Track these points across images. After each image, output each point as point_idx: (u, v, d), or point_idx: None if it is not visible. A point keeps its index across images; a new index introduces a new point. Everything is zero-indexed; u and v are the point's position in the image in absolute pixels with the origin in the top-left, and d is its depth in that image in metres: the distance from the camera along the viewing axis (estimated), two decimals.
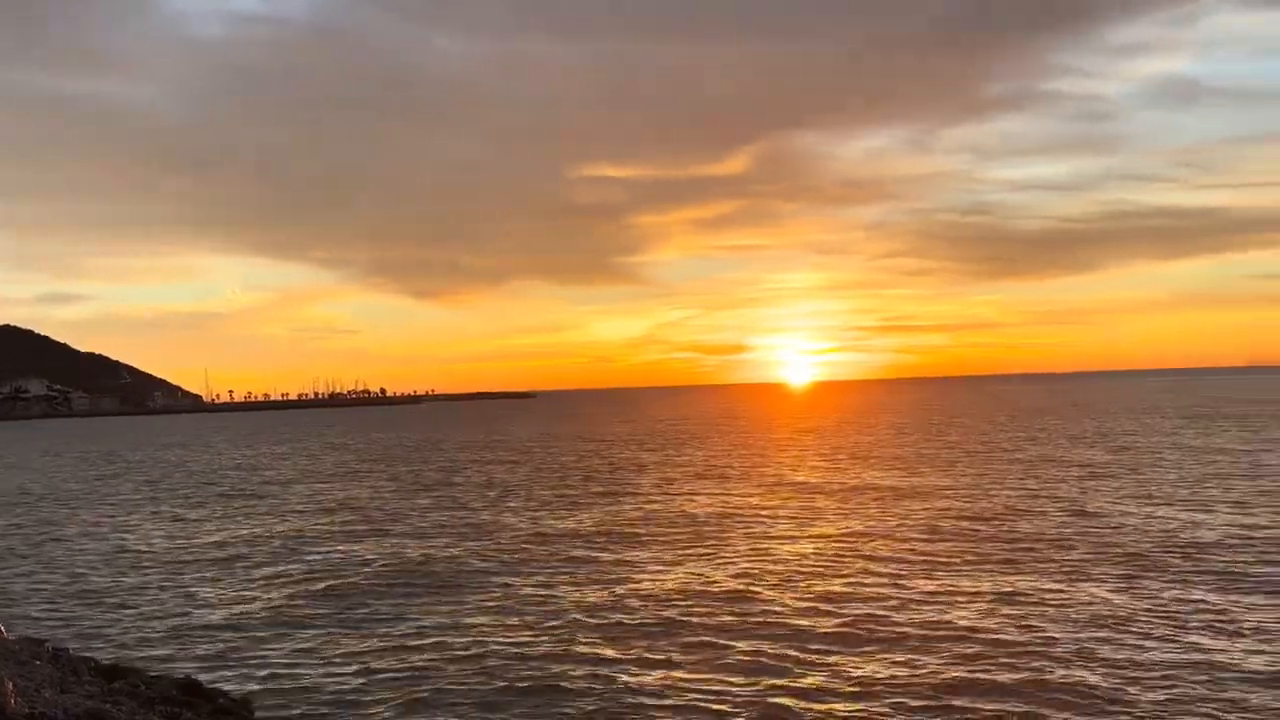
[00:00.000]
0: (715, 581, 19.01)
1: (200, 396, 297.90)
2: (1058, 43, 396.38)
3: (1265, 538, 21.67)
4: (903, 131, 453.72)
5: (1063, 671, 12.82)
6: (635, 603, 17.45)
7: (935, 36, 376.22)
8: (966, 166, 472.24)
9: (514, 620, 16.50)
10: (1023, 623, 15.19)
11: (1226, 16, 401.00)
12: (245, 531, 28.77)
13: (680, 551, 22.60)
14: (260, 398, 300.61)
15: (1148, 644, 13.80)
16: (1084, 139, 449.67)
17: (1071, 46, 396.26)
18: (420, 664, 14.17)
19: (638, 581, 19.26)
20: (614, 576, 19.83)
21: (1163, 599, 16.33)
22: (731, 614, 16.36)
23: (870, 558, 20.97)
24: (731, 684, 12.82)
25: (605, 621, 16.19)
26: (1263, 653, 13.37)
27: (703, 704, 12.11)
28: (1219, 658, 13.17)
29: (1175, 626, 14.64)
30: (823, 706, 11.88)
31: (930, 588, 17.81)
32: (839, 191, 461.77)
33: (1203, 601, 16.20)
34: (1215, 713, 11.31)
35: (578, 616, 16.56)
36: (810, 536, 24.05)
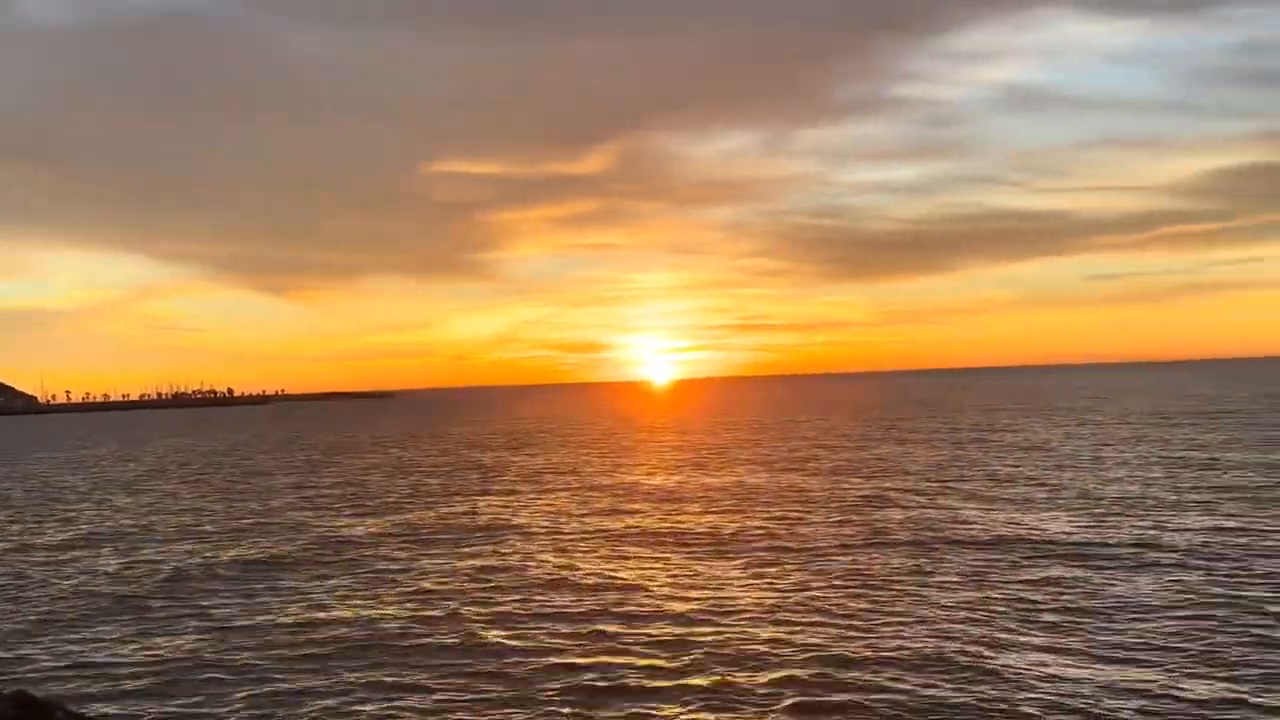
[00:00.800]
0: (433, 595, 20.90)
1: (35, 398, 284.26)
2: (905, 49, 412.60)
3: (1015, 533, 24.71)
4: (756, 134, 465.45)
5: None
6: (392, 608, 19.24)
7: (786, 40, 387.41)
8: (818, 169, 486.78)
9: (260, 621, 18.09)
10: (721, 606, 17.58)
11: (1067, 25, 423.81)
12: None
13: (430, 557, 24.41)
14: (100, 398, 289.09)
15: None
16: (931, 143, 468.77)
17: (918, 53, 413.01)
18: (242, 660, 15.39)
19: (402, 583, 21.03)
20: (382, 579, 21.59)
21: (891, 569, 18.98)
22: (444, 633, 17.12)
23: (606, 557, 23.23)
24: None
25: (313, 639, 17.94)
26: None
27: None
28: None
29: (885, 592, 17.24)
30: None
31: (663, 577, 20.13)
32: (695, 192, 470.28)
33: (953, 582, 18.88)
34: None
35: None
36: (594, 538, 26.18)
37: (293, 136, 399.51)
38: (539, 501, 33.55)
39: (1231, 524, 23.53)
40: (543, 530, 27.03)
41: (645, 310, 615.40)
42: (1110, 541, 21.93)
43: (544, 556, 22.91)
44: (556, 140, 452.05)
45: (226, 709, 13.14)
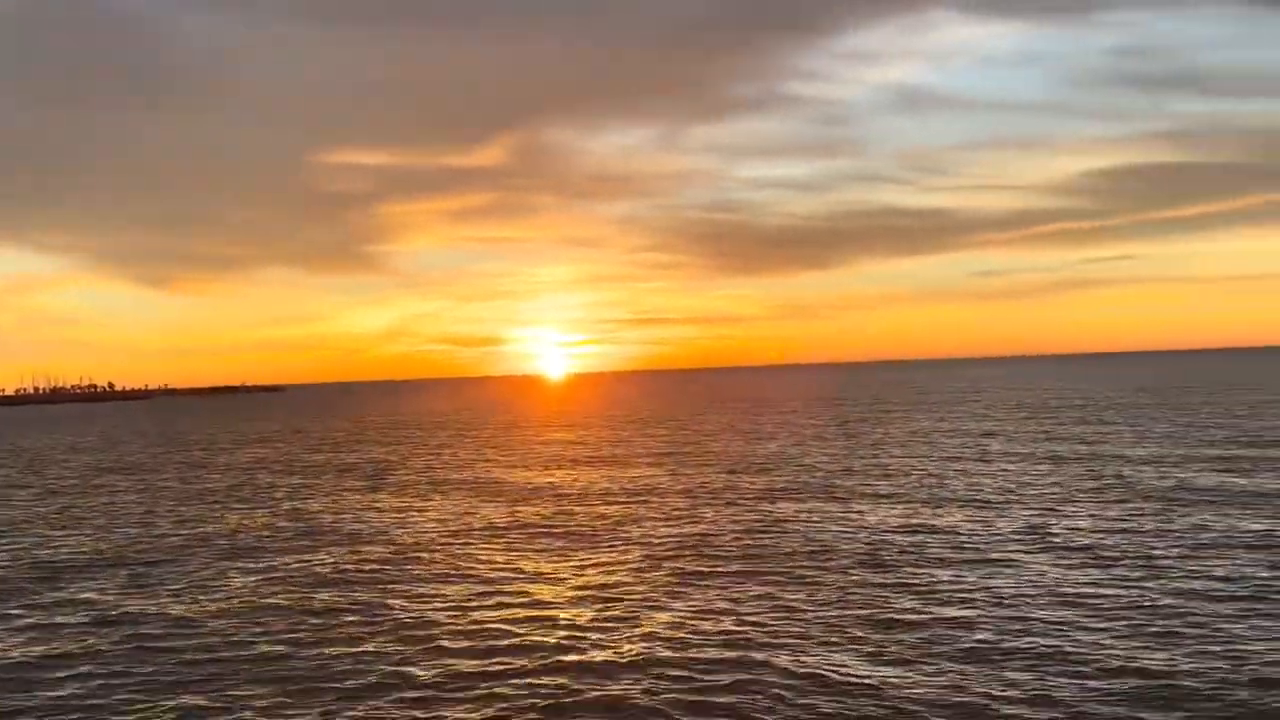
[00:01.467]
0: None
1: None
2: (798, 48, 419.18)
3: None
4: (652, 129, 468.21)
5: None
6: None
7: (682, 37, 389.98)
8: (714, 165, 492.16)
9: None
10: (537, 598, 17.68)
11: (952, 28, 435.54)
12: None
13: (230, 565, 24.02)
14: None
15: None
16: (824, 141, 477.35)
17: (811, 52, 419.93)
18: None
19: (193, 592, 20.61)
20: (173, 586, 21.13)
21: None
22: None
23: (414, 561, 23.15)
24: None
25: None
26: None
27: None
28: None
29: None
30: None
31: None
32: (591, 186, 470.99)
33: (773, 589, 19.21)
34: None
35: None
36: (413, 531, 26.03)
37: (179, 126, 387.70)
38: (420, 501, 33.15)
39: (1113, 515, 24.34)
40: (423, 527, 26.73)
41: (540, 304, 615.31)
42: (983, 534, 22.56)
43: (425, 553, 22.67)
44: (451, 132, 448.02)
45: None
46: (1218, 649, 13.12)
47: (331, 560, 21.69)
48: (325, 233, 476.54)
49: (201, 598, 18.38)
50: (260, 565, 21.42)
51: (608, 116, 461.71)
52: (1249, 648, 13.09)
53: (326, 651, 14.51)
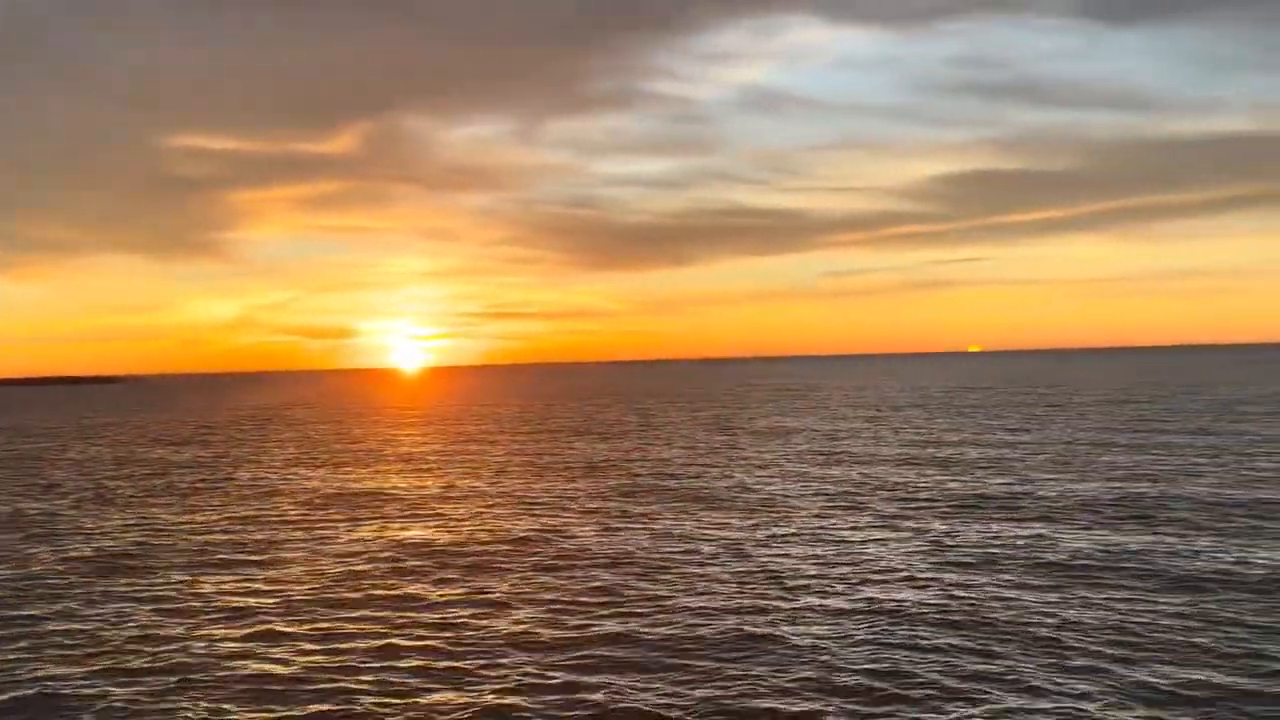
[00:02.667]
0: None
1: None
2: (656, 47, 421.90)
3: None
4: (510, 122, 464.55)
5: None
6: None
7: (541, 31, 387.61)
8: (571, 160, 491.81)
9: None
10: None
11: (806, 31, 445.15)
12: None
13: None
14: None
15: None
16: (681, 139, 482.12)
17: (669, 51, 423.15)
18: None
19: None
20: None
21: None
22: None
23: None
24: None
25: None
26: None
27: None
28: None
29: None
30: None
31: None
32: (447, 177, 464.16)
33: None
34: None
35: None
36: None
37: (13, 105, 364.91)
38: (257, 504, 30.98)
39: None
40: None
41: (394, 296, 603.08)
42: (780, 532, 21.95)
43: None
44: (303, 119, 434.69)
45: None
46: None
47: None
48: (169, 219, 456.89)
49: None
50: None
51: (465, 108, 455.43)
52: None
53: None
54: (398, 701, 12.50)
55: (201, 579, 19.84)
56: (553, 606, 16.86)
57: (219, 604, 17.70)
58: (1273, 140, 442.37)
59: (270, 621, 16.36)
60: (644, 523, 25.06)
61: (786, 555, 20.48)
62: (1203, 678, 12.40)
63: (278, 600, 17.86)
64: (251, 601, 17.79)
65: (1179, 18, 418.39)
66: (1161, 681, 12.34)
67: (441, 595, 17.95)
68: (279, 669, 13.86)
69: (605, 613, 16.33)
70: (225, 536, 24.85)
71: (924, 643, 14.20)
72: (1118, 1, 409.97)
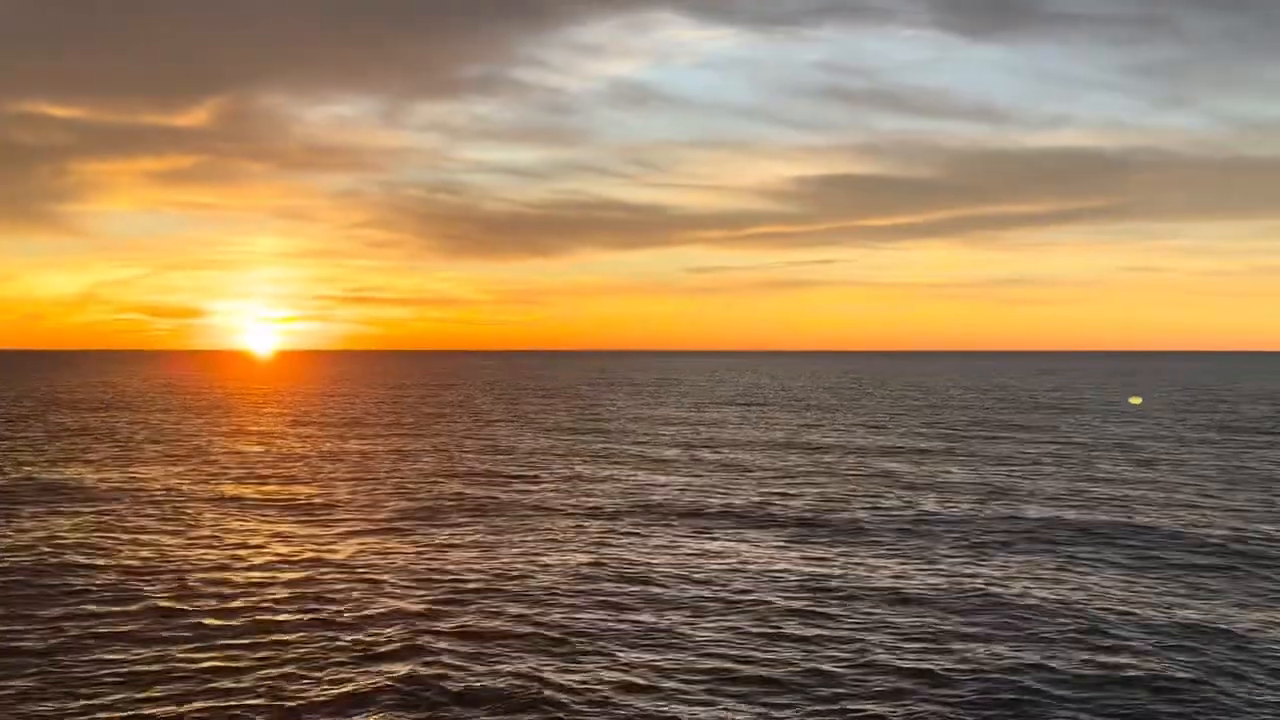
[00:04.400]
0: None
1: None
2: (526, 35, 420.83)
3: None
4: (373, 102, 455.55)
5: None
6: None
7: (409, 11, 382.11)
8: (436, 144, 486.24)
9: None
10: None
11: (674, 29, 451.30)
12: None
13: None
14: None
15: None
16: (548, 130, 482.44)
17: (539, 40, 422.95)
18: None
19: None
20: None
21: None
22: None
23: None
24: None
25: None
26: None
27: None
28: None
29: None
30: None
31: None
32: (306, 157, 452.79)
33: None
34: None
35: None
36: None
37: None
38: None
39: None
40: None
41: (247, 276, 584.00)
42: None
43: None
44: (154, 90, 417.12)
45: None
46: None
47: None
48: (10, 189, 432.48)
49: None
50: None
51: (327, 87, 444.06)
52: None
53: None
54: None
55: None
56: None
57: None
58: (1113, 155, 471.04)
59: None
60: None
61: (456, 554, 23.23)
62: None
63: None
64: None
65: (1033, 34, 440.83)
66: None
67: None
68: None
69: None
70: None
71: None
72: (976, 16, 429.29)
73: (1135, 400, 75.49)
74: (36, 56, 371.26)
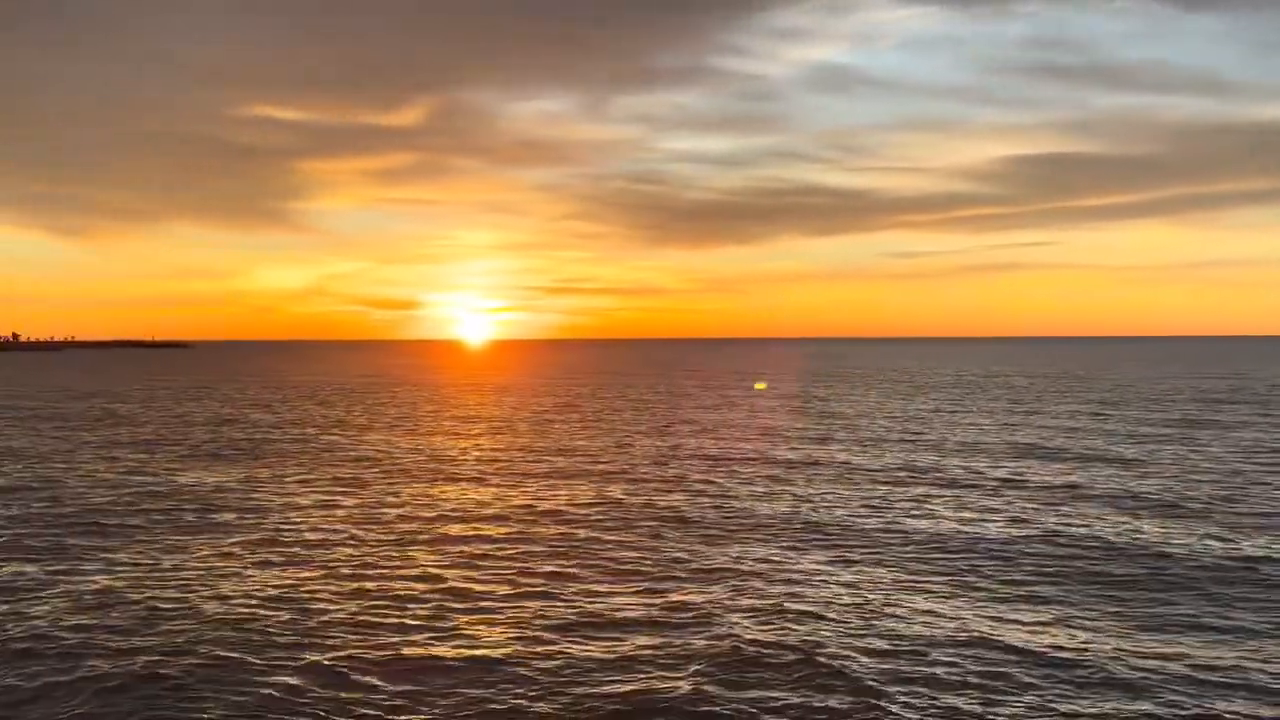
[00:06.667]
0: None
1: None
2: (725, 23, 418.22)
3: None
4: (577, 96, 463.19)
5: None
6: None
7: (609, 6, 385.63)
8: (638, 135, 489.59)
9: None
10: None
11: (876, 10, 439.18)
12: None
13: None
14: None
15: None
16: (748, 117, 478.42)
17: (738, 27, 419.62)
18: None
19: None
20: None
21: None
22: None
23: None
24: None
25: None
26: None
27: None
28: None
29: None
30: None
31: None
32: (514, 151, 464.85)
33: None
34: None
35: None
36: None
37: (84, 73, 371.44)
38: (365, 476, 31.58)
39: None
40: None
41: (460, 268, 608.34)
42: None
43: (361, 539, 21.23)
44: (372, 91, 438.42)
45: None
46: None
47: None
48: (239, 188, 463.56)
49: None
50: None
51: (532, 82, 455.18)
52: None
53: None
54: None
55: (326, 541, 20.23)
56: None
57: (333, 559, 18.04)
58: None
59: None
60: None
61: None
62: None
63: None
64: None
65: (1253, 1, 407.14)
66: None
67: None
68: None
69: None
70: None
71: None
72: None
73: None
74: (262, 64, 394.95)
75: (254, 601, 15.58)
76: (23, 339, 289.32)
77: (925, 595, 15.96)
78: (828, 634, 13.87)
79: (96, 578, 17.22)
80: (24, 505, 24.83)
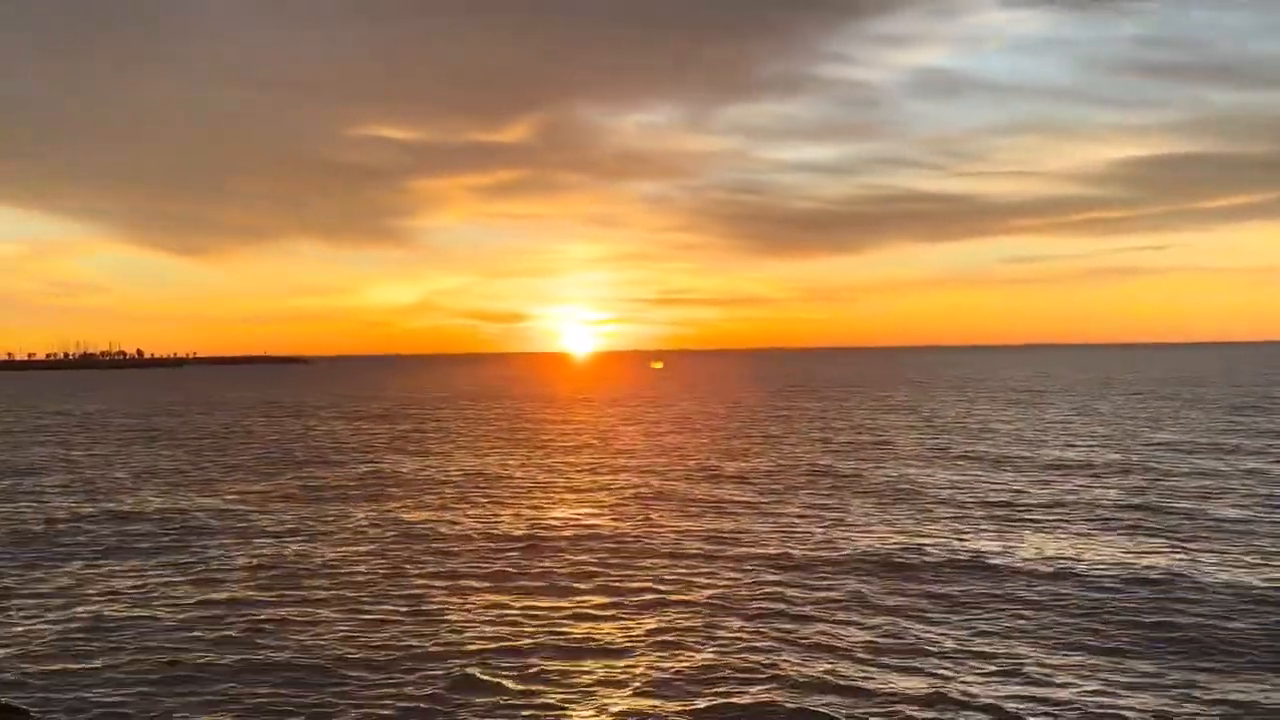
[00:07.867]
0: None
1: None
2: (825, 30, 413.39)
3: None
4: (679, 109, 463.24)
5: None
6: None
7: (709, 16, 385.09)
8: (739, 146, 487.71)
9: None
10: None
11: (981, 13, 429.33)
12: None
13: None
14: (2, 357, 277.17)
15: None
16: (851, 124, 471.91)
17: (839, 34, 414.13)
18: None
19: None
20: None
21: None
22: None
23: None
24: None
25: None
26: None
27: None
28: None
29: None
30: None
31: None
32: (617, 165, 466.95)
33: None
34: None
35: None
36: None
37: (200, 93, 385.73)
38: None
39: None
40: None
41: (566, 281, 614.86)
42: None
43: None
44: (478, 109, 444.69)
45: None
46: None
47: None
48: (350, 205, 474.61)
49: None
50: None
51: (634, 96, 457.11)
52: None
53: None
54: None
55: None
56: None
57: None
58: None
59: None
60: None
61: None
62: None
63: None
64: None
65: None
66: None
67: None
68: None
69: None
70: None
71: None
72: None
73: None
74: (372, 83, 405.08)
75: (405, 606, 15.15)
76: (145, 355, 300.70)
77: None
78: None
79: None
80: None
